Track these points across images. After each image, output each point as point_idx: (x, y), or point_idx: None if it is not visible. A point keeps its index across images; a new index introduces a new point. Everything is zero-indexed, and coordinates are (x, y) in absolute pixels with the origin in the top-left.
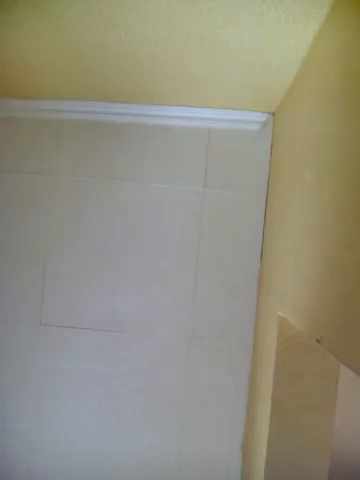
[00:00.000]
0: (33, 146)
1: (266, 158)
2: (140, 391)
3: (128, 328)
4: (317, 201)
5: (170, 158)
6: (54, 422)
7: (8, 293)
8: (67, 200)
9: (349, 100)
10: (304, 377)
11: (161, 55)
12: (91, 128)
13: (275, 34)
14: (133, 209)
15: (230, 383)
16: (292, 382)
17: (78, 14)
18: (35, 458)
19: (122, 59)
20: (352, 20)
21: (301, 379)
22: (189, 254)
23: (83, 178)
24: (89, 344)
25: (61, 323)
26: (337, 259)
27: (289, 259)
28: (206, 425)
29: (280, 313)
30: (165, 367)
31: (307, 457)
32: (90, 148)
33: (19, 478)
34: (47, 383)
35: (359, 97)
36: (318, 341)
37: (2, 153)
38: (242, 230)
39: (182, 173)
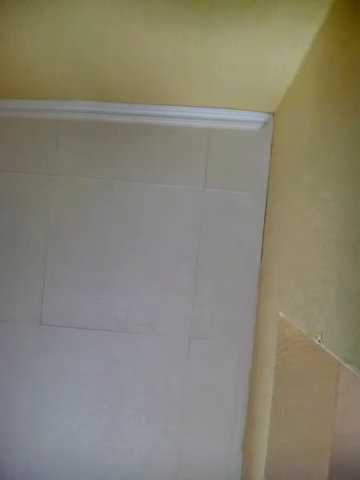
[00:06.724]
0: (33, 146)
1: (266, 158)
2: (140, 391)
3: (128, 328)
4: (317, 201)
5: (170, 158)
6: (54, 422)
7: (8, 293)
8: (67, 200)
9: (349, 100)
10: (304, 377)
11: (161, 55)
12: (91, 128)
13: (275, 34)
14: (133, 209)
15: (230, 383)
16: (292, 382)
17: (78, 14)
18: (35, 458)
19: (122, 59)
20: (352, 20)
21: (301, 379)
22: (189, 254)
23: (83, 178)
24: (89, 344)
25: (61, 323)
26: (337, 259)
27: (289, 259)
28: (206, 425)
29: (280, 313)
30: (165, 367)
31: (307, 457)
32: (90, 148)
33: (19, 477)
34: (47, 383)
35: (359, 97)
36: (318, 341)
37: (2, 153)
38: (242, 230)
39: (182, 173)
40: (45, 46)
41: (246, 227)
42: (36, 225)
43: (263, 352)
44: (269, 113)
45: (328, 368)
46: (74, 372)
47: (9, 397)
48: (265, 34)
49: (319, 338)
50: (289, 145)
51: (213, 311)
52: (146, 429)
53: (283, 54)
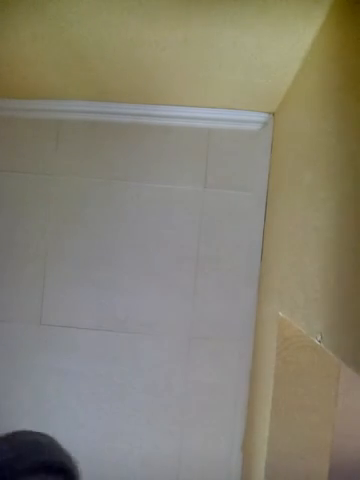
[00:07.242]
0: (33, 146)
1: (266, 158)
2: (140, 391)
3: (128, 328)
4: (317, 201)
5: (170, 158)
6: (54, 422)
7: (8, 293)
8: (67, 200)
9: (349, 100)
10: (304, 377)
11: (161, 55)
12: (91, 128)
13: (275, 34)
14: (133, 209)
15: (230, 383)
16: (292, 382)
17: (78, 14)
18: None
19: (122, 59)
20: (352, 20)
21: (301, 379)
22: (189, 254)
23: (83, 178)
24: (89, 344)
25: (61, 323)
26: (337, 259)
27: (289, 259)
28: (206, 425)
29: (280, 313)
30: (165, 367)
31: (307, 457)
32: (90, 148)
33: None
34: (47, 383)
35: (359, 96)
36: (318, 341)
37: (2, 153)
38: (242, 230)
39: (182, 173)
40: (45, 46)
41: (246, 227)
42: (36, 225)
43: (263, 352)
44: (269, 113)
45: (328, 368)
46: (74, 372)
47: (9, 397)
48: (265, 34)
49: (319, 338)
50: (289, 145)
51: (213, 311)
52: (146, 429)
53: (283, 54)
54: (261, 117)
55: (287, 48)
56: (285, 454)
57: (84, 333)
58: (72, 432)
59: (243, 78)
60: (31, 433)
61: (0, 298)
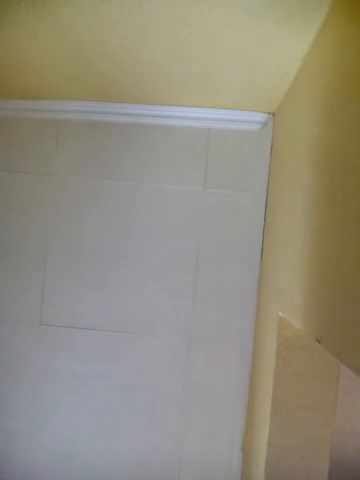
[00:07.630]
0: (33, 146)
1: (266, 158)
2: (140, 391)
3: (128, 328)
4: (317, 201)
5: (170, 158)
6: (54, 422)
7: (8, 293)
8: (67, 200)
9: (348, 100)
10: (304, 377)
11: (161, 55)
12: (91, 128)
13: (275, 34)
14: (133, 209)
15: (230, 383)
16: (292, 382)
17: (78, 14)
18: (35, 458)
19: (122, 59)
20: (352, 20)
21: (301, 379)
22: (189, 254)
23: (83, 178)
24: (89, 344)
25: (61, 323)
26: (337, 259)
27: (289, 259)
28: (206, 425)
29: (280, 313)
30: (165, 367)
31: (307, 457)
32: (90, 148)
33: (19, 478)
34: (47, 383)
35: (358, 97)
36: (318, 341)
37: (2, 153)
38: (242, 230)
39: (182, 173)
40: (45, 46)
41: (246, 227)
42: (36, 225)
43: (263, 352)
44: (269, 113)
45: (328, 368)
46: (74, 372)
47: (9, 397)
48: (265, 34)
49: (319, 338)
50: (289, 145)
51: (213, 311)
52: (146, 429)
53: (283, 54)
54: (261, 117)
55: (287, 48)
56: (285, 454)
57: (84, 333)
58: (72, 432)
59: (243, 78)
60: None
61: (0, 298)
